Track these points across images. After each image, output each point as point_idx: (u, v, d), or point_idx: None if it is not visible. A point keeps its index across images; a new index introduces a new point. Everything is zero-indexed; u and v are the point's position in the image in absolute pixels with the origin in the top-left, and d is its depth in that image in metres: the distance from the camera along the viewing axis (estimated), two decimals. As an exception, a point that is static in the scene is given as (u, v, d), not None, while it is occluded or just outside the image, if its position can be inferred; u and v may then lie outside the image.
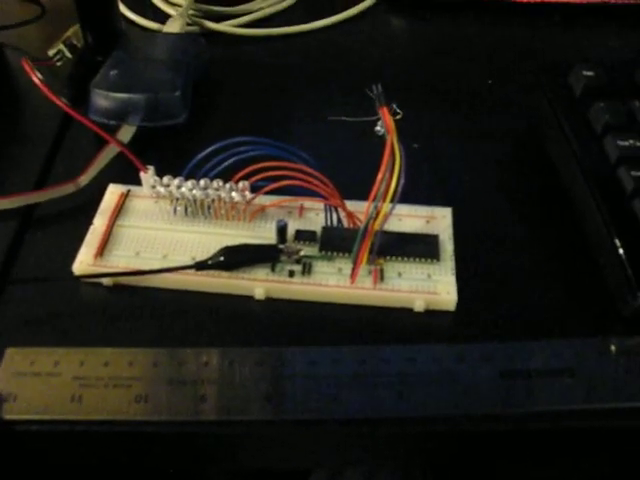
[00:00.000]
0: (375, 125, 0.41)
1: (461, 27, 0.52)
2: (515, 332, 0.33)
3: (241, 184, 0.34)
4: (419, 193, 0.37)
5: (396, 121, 0.33)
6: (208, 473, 0.47)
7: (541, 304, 0.34)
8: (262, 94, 0.46)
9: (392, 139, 0.32)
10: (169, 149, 0.41)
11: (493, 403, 0.30)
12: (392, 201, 0.32)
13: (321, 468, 0.48)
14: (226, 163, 0.34)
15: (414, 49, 0.51)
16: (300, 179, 0.33)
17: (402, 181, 0.31)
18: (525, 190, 0.40)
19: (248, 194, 0.34)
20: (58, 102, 0.35)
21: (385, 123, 0.32)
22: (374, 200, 0.32)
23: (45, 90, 0.35)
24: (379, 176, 0.31)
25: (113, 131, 0.40)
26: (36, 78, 0.35)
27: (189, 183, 0.34)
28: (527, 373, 0.31)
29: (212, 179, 0.34)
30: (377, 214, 0.32)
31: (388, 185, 0.31)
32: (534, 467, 0.35)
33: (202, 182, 0.34)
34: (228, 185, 0.34)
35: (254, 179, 0.34)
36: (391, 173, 0.31)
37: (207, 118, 0.44)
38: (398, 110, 0.43)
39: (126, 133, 0.41)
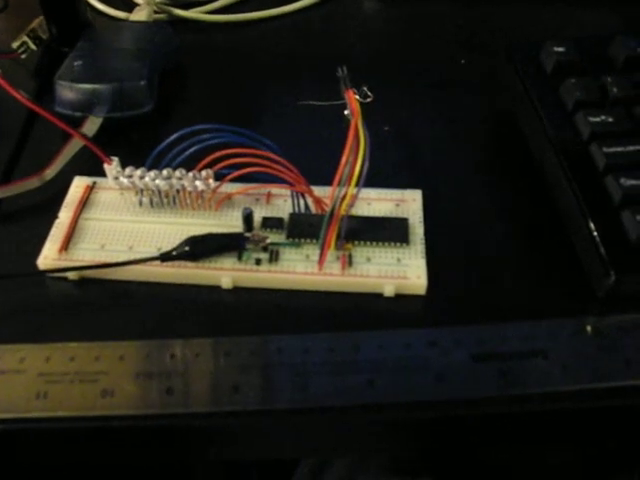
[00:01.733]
0: (345, 109, 0.41)
1: (433, 7, 0.51)
2: (487, 315, 0.32)
3: (204, 172, 0.34)
4: (389, 176, 0.37)
5: (367, 104, 0.33)
6: (185, 465, 0.47)
7: (514, 285, 0.33)
8: (232, 81, 0.46)
9: (356, 122, 0.31)
10: (137, 139, 0.40)
11: (466, 387, 0.30)
12: (357, 185, 0.31)
13: (306, 461, 0.48)
14: (188, 152, 0.33)
15: (387, 31, 0.50)
16: (264, 166, 0.33)
17: (367, 163, 0.31)
18: (498, 170, 0.39)
19: (212, 182, 0.34)
20: (18, 96, 0.35)
21: (350, 106, 0.32)
22: (339, 184, 0.31)
23: (4, 84, 0.35)
24: (342, 160, 0.31)
25: (80, 122, 0.40)
26: (-6, 72, 0.35)
27: (152, 173, 0.34)
28: (500, 356, 0.31)
29: (175, 168, 0.34)
30: (343, 198, 0.32)
31: (353, 168, 0.31)
32: (511, 450, 0.35)
33: (165, 172, 0.34)
34: (191, 174, 0.34)
35: (218, 167, 0.33)
36: (355, 156, 0.31)
37: (175, 107, 0.43)
38: (369, 93, 0.42)
39: (92, 124, 0.40)
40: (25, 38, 0.44)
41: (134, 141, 0.40)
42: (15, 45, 0.44)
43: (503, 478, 0.45)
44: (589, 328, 0.32)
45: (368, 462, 0.48)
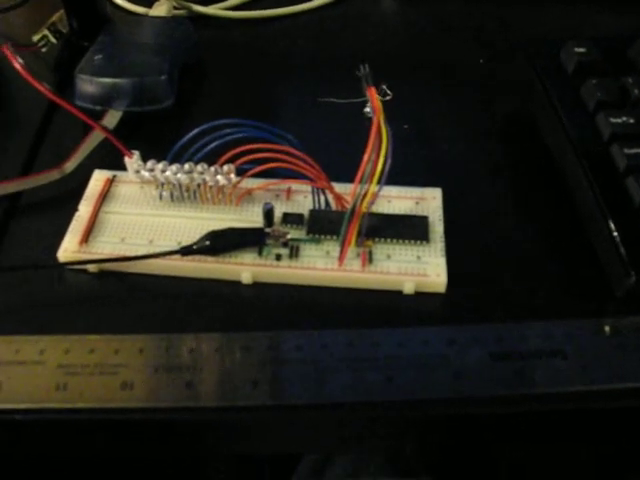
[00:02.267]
0: (365, 107, 0.41)
1: (451, 6, 0.51)
2: (506, 314, 0.32)
3: (226, 167, 0.34)
4: (409, 174, 0.37)
5: (386, 102, 0.33)
6: (199, 459, 0.47)
7: (533, 285, 0.33)
8: (251, 77, 0.46)
9: (378, 118, 0.31)
10: (156, 134, 0.40)
11: (484, 386, 0.30)
12: (379, 182, 0.31)
13: (310, 455, 0.48)
14: (211, 146, 0.33)
15: (405, 30, 0.50)
16: (286, 161, 0.33)
17: (389, 161, 0.31)
18: (517, 169, 0.39)
19: (234, 177, 0.34)
20: (40, 87, 0.35)
21: (372, 103, 0.32)
22: (361, 181, 0.31)
23: (27, 75, 0.35)
24: (365, 157, 0.31)
25: (99, 116, 0.40)
26: (17, 64, 0.34)
27: (173, 167, 0.34)
28: (519, 355, 0.31)
29: (197, 163, 0.34)
30: (365, 195, 0.32)
31: (375, 166, 0.31)
32: (528, 449, 0.34)
33: (186, 166, 0.34)
34: (213, 168, 0.34)
35: (239, 162, 0.33)
36: (378, 153, 0.31)
37: (195, 102, 0.43)
38: (388, 91, 0.42)
39: (112, 118, 0.40)
40: (45, 32, 0.44)
41: (153, 136, 0.40)
42: (35, 38, 0.44)
43: (505, 477, 0.45)
44: (607, 328, 0.32)
45: (369, 460, 0.48)
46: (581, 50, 0.39)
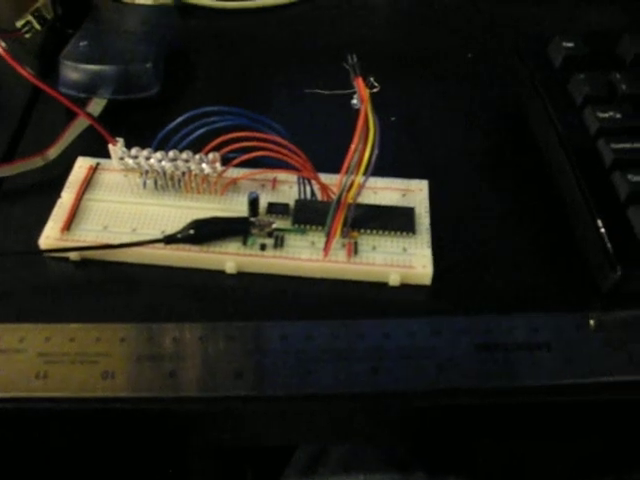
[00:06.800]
0: (352, 99, 0.40)
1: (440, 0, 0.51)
2: (492, 306, 0.32)
3: (211, 155, 0.33)
4: (396, 166, 0.37)
5: (373, 94, 0.32)
6: (184, 450, 0.46)
7: (518, 278, 0.33)
8: (237, 68, 0.45)
9: (366, 108, 0.31)
10: (141, 122, 0.39)
11: (470, 377, 0.30)
12: (366, 172, 0.31)
13: (304, 448, 0.47)
14: (196, 133, 0.33)
15: (393, 22, 0.50)
16: (272, 150, 0.32)
17: (376, 151, 0.31)
18: (504, 163, 0.39)
19: (218, 166, 0.34)
20: (23, 71, 0.34)
21: (359, 92, 0.32)
22: (347, 171, 0.31)
23: (9, 59, 0.34)
24: (352, 146, 0.31)
25: (83, 104, 0.39)
26: None
27: (158, 154, 0.33)
28: (504, 347, 0.31)
29: (182, 150, 0.33)
30: (351, 186, 0.31)
31: (362, 155, 0.31)
32: (513, 441, 0.34)
33: (171, 153, 0.33)
34: (198, 156, 0.33)
35: (225, 150, 0.33)
36: (365, 143, 0.31)
37: (181, 91, 0.43)
38: (375, 84, 0.42)
39: (96, 106, 0.40)
40: (29, 17, 0.43)
41: (138, 125, 0.39)
42: (19, 24, 0.43)
43: (497, 474, 0.45)
44: (592, 322, 0.31)
45: (362, 456, 0.47)
46: (569, 45, 0.39)
